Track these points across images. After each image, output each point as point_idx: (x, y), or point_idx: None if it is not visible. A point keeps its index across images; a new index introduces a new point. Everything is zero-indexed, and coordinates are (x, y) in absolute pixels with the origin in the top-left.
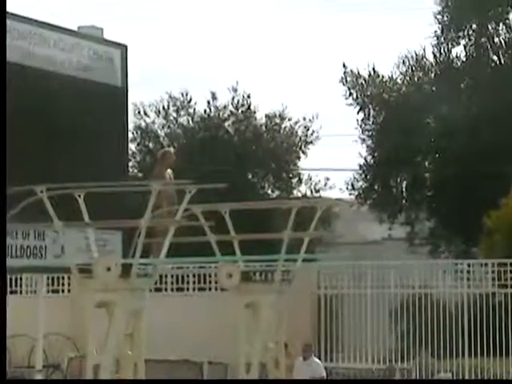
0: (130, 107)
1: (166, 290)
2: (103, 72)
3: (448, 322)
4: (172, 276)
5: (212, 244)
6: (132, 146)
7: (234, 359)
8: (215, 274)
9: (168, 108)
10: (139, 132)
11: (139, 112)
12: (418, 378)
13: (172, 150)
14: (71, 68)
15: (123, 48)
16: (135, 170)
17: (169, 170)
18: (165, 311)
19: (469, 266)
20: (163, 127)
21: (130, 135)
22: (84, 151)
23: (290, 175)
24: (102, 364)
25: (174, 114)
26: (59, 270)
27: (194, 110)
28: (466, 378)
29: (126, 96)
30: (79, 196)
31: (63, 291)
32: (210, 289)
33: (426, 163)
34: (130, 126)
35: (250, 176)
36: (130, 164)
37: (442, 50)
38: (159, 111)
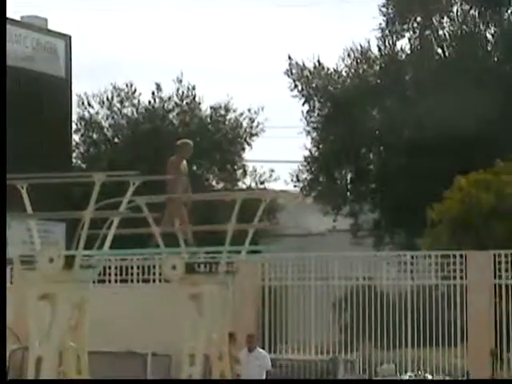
0: (74, 98)
1: (109, 281)
2: (47, 62)
3: (391, 313)
4: (116, 267)
5: (156, 236)
6: (76, 137)
7: (178, 351)
8: (159, 266)
9: (112, 99)
10: (83, 123)
11: (83, 103)
12: (361, 369)
13: (191, 142)
14: (14, 58)
15: (67, 38)
16: (79, 161)
17: (184, 162)
18: (108, 303)
19: (412, 257)
20: (107, 118)
21: (74, 126)
22: (27, 142)
23: (235, 167)
24: (44, 356)
25: (119, 105)
26: None
27: (139, 101)
28: (409, 368)
29: (69, 87)
30: (22, 187)
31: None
32: (154, 280)
33: (371, 155)
34: (74, 117)
35: (194, 167)
36: (74, 155)
37: (386, 43)
38: (103, 102)
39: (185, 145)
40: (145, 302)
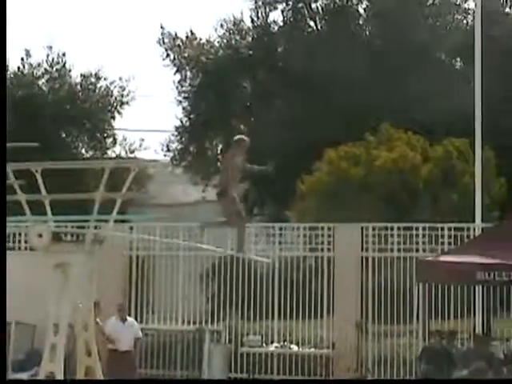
0: None
1: None
2: None
3: (259, 284)
4: None
5: (22, 203)
6: None
7: (43, 320)
8: (25, 234)
9: None
10: None
11: None
12: (227, 339)
13: (247, 138)
14: None
15: None
16: None
17: (239, 155)
18: None
19: (280, 229)
20: None
21: None
22: None
23: (105, 135)
24: None
25: None
26: None
27: (7, 66)
28: (275, 340)
29: None
30: None
31: None
32: (19, 248)
33: (242, 126)
34: None
35: (63, 135)
36: None
37: (259, 14)
38: None
39: (240, 140)
40: (9, 270)
